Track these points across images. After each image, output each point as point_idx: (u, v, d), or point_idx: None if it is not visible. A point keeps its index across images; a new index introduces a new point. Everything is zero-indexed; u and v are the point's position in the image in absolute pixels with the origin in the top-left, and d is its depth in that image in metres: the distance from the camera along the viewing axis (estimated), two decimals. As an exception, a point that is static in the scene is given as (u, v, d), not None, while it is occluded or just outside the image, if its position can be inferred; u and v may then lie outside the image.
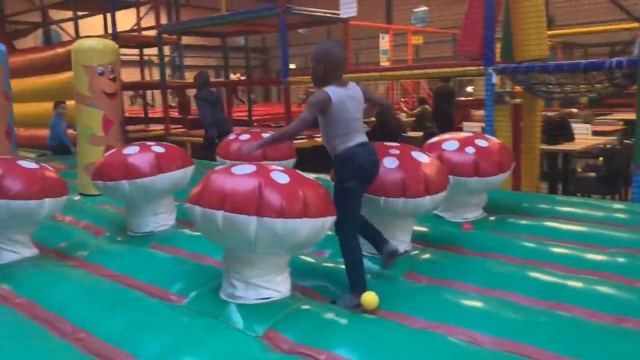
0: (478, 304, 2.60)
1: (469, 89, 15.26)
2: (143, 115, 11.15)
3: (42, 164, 3.58)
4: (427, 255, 3.24)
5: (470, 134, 4.00)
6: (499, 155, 3.73)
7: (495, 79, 4.90)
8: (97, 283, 3.03)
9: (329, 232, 3.58)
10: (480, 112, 7.58)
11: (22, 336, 2.40)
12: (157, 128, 9.22)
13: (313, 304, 2.63)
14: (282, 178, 2.52)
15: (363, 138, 2.69)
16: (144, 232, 3.97)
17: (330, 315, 2.46)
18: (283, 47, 6.57)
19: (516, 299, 2.69)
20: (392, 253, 2.80)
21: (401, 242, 3.24)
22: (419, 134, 8.15)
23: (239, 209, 2.41)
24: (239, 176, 2.52)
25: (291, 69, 6.62)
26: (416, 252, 3.29)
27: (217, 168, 2.73)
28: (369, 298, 2.60)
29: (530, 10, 4.94)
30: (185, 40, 11.02)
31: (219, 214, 2.45)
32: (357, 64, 15.02)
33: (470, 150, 3.67)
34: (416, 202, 3.04)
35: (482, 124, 6.90)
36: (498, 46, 5.22)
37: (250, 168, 2.57)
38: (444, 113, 7.87)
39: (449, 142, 3.78)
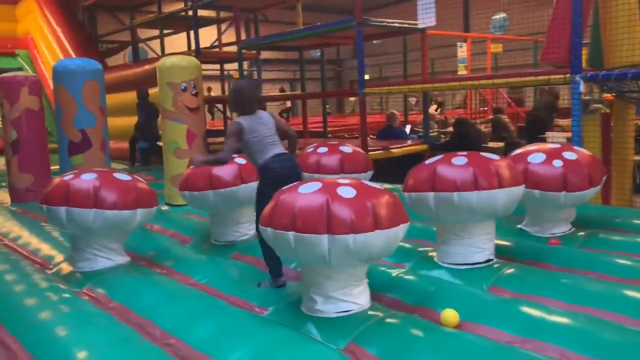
0: (569, 320, 2.47)
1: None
2: (223, 128, 11.53)
3: (135, 176, 3.79)
4: (511, 270, 3.13)
5: (557, 146, 3.83)
6: (589, 168, 3.54)
7: (583, 87, 4.67)
8: (183, 291, 3.16)
9: (409, 245, 3.59)
10: (565, 122, 7.25)
11: (117, 339, 2.54)
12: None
13: (395, 316, 2.60)
14: (349, 192, 2.52)
15: (278, 150, 3.20)
16: (227, 241, 4.11)
17: (413, 329, 2.43)
18: (359, 58, 6.60)
19: (609, 317, 2.54)
20: (281, 285, 3.15)
21: (482, 249, 3.16)
22: (500, 144, 7.91)
23: (309, 229, 2.44)
24: (306, 195, 2.55)
25: (365, 79, 6.62)
26: (500, 265, 3.18)
27: (286, 187, 2.77)
28: (449, 315, 2.54)
29: (622, 13, 4.68)
30: (263, 54, 11.32)
31: (290, 235, 2.49)
32: (432, 73, 14.79)
33: (558, 163, 3.51)
34: (490, 196, 2.97)
35: (567, 134, 6.60)
36: (585, 52, 4.97)
37: (316, 185, 2.60)
38: (540, 122, 7.61)
39: (535, 154, 3.63)
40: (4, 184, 6.99)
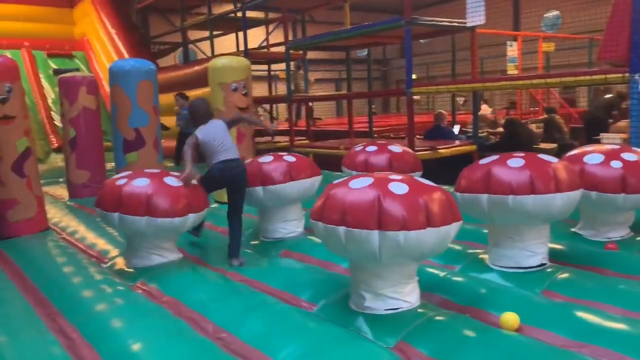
0: (626, 326, 2.39)
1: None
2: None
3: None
4: (565, 274, 3.04)
5: (615, 147, 3.70)
6: (650, 170, 3.39)
7: (643, 86, 4.48)
8: (233, 286, 3.21)
9: (458, 247, 3.54)
10: (623, 123, 6.98)
11: (171, 332, 2.61)
12: (282, 139, 9.60)
13: (446, 315, 2.57)
14: (401, 188, 2.49)
15: (225, 157, 3.80)
16: (275, 237, 4.15)
17: (465, 329, 2.39)
18: (408, 58, 6.55)
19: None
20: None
21: (535, 253, 3.09)
22: (552, 145, 7.69)
23: (360, 224, 2.43)
24: (357, 190, 2.53)
25: (412, 79, 6.56)
26: (554, 269, 3.10)
27: (336, 181, 2.77)
28: (510, 318, 2.49)
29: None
30: (309, 54, 11.39)
31: (341, 230, 2.49)
32: (481, 72, 14.52)
33: (616, 164, 3.38)
34: (547, 200, 2.89)
35: (622, 135, 6.36)
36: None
37: (368, 181, 2.58)
38: (598, 123, 7.37)
39: (592, 155, 3.51)
40: (62, 180, 7.28)
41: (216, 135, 3.80)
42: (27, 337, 2.75)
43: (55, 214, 5.38)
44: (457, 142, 7.32)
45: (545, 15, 12.40)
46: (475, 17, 6.12)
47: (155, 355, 2.40)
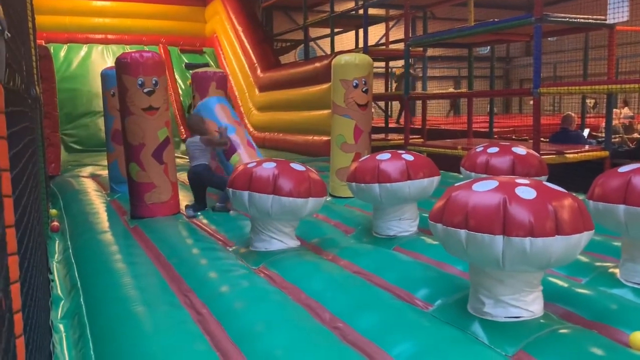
0: None
1: None
2: (383, 125, 11.69)
3: (308, 167, 4.02)
4: None
5: None
6: None
7: None
8: (349, 278, 3.29)
9: (585, 259, 3.34)
10: None
11: (292, 317, 2.74)
12: (397, 137, 9.57)
13: (571, 328, 2.46)
14: (529, 193, 2.40)
15: (198, 162, 5.24)
16: (388, 235, 4.18)
17: (592, 345, 2.27)
18: (536, 56, 6.24)
19: None
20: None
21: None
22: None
23: (484, 228, 2.38)
24: (481, 193, 2.48)
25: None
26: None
27: (459, 184, 2.73)
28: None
29: None
30: (428, 51, 11.23)
31: (462, 233, 2.45)
32: (617, 73, 13.45)
33: None
34: None
35: None
36: None
37: (492, 184, 2.51)
38: None
39: None
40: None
41: (193, 146, 5.25)
42: (162, 309, 3.00)
43: (184, 199, 5.82)
44: (586, 147, 6.86)
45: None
46: (618, 13, 5.71)
47: (278, 337, 2.53)
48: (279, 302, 2.94)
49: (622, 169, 2.96)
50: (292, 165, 3.88)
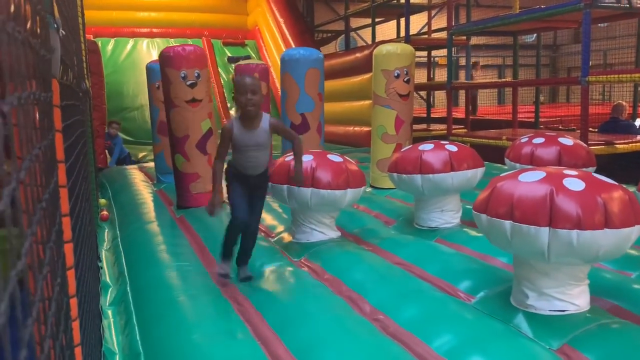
0: None
1: None
2: (425, 115, 11.56)
3: (346, 158, 4.03)
4: None
5: None
6: None
7: None
8: (390, 269, 3.28)
9: (636, 252, 3.23)
10: None
11: (333, 308, 2.76)
12: (439, 127, 9.44)
13: (620, 323, 2.39)
14: (577, 185, 2.34)
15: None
16: (430, 226, 4.15)
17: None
18: (585, 43, 6.04)
19: None
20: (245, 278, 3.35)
21: None
22: None
23: (529, 219, 2.33)
24: (527, 183, 2.43)
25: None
26: None
27: (504, 174, 2.68)
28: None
29: None
30: (472, 40, 11.01)
31: (507, 224, 2.41)
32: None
33: None
34: None
35: None
36: None
37: (539, 174, 2.46)
38: None
39: None
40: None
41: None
42: (204, 299, 3.07)
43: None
44: (638, 137, 6.61)
45: None
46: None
47: (320, 329, 2.56)
48: (320, 295, 2.97)
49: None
50: (330, 156, 3.88)
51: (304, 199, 3.72)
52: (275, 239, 4.21)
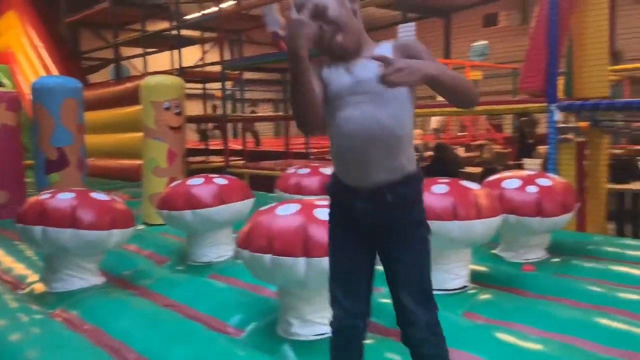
0: (542, 347, 2.50)
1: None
2: (204, 147, 11.55)
3: (112, 196, 3.76)
4: (486, 296, 3.16)
5: (532, 172, 3.91)
6: (563, 195, 3.61)
7: (558, 116, 4.78)
8: (158, 313, 3.12)
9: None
10: (543, 149, 7.39)
11: (89, 363, 2.50)
12: (217, 160, 9.50)
13: (373, 338, 2.60)
14: (325, 214, 2.54)
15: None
16: (204, 262, 4.08)
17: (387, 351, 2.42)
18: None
19: (583, 345, 2.57)
20: None
21: (457, 276, 3.19)
22: (477, 169, 8.02)
23: (287, 251, 2.45)
24: (283, 217, 2.56)
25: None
26: (475, 291, 3.21)
27: (263, 208, 2.78)
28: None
29: (592, 46, 4.82)
30: (248, 74, 11.41)
31: (267, 257, 2.50)
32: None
33: (532, 189, 3.58)
34: (469, 227, 3.02)
35: (541, 161, 6.73)
36: (561, 82, 5.11)
37: (295, 207, 2.61)
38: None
39: (510, 180, 3.70)
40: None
41: None
42: None
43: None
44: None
45: (473, 44, 12.96)
46: (407, 34, 6.27)
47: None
48: (76, 347, 2.67)
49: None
50: (93, 194, 3.59)
51: (62, 242, 3.35)
52: (26, 290, 3.69)
